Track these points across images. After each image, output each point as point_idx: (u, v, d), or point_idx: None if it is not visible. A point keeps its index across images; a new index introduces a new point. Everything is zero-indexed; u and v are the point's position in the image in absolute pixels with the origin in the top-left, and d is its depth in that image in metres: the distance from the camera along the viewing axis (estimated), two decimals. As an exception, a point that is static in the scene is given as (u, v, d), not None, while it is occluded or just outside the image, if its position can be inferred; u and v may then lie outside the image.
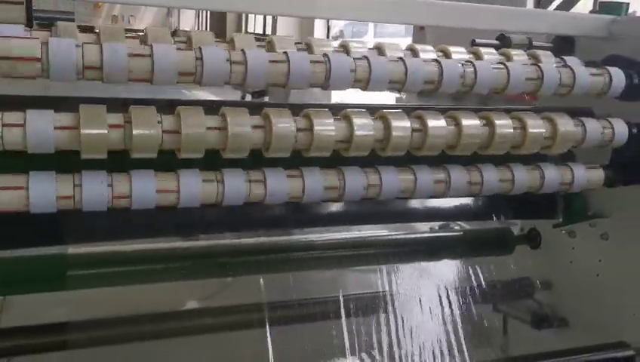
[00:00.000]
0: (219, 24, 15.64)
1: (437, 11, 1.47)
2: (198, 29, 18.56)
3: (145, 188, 1.11)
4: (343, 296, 1.59)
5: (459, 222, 1.93)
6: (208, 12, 14.92)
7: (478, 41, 1.65)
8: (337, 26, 13.50)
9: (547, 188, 1.43)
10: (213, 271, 1.64)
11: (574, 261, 1.82)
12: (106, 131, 1.04)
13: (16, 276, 1.44)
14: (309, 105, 1.25)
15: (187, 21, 19.76)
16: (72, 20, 1.46)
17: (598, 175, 1.49)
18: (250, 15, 12.15)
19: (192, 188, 1.14)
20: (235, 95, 4.38)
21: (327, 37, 12.00)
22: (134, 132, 1.05)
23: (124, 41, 1.11)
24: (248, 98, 4.60)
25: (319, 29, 11.76)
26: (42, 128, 1.01)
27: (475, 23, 1.52)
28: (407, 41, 9.18)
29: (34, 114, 1.01)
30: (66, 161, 1.08)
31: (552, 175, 1.42)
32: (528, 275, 1.90)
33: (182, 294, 2.13)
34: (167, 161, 1.15)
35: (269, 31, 12.65)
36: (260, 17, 13.20)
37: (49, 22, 1.31)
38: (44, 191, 1.05)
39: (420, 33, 6.22)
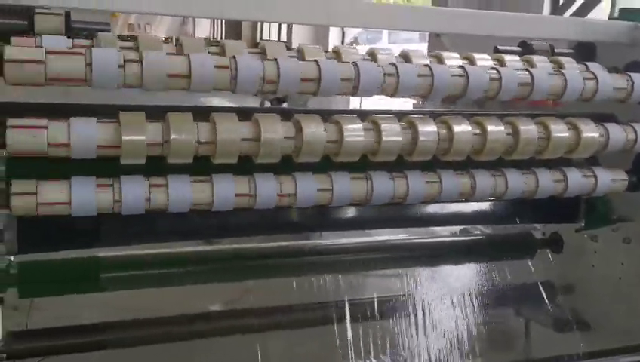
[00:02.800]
0: (234, 31, 15.75)
1: (463, 19, 1.50)
2: (214, 36, 18.69)
3: (182, 193, 1.14)
4: (376, 298, 1.62)
5: (478, 227, 1.96)
6: (223, 20, 14.99)
7: (500, 47, 1.68)
8: (352, 32, 13.54)
9: (571, 193, 1.45)
10: (242, 274, 1.68)
11: (597, 265, 1.83)
12: (144, 137, 1.08)
13: (51, 278, 1.48)
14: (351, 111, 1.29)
15: (202, 29, 19.94)
16: (109, 30, 1.49)
17: (621, 179, 1.51)
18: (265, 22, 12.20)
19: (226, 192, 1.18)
20: (254, 101, 4.42)
21: (342, 43, 12.04)
22: (172, 137, 1.09)
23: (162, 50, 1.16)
24: (267, 104, 4.64)
25: (334, 35, 11.80)
26: (86, 135, 1.05)
27: (498, 30, 1.55)
28: (421, 47, 9.19)
29: (78, 122, 1.05)
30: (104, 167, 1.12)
31: (576, 179, 1.44)
32: (550, 279, 1.91)
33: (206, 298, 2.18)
34: (199, 167, 1.19)
35: (284, 37, 12.72)
36: (275, 24, 13.24)
37: (88, 32, 1.36)
38: (85, 196, 1.09)
39: (437, 40, 6.23)
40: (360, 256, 1.78)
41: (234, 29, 16.06)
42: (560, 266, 1.90)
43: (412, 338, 1.62)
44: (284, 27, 12.92)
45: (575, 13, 5.20)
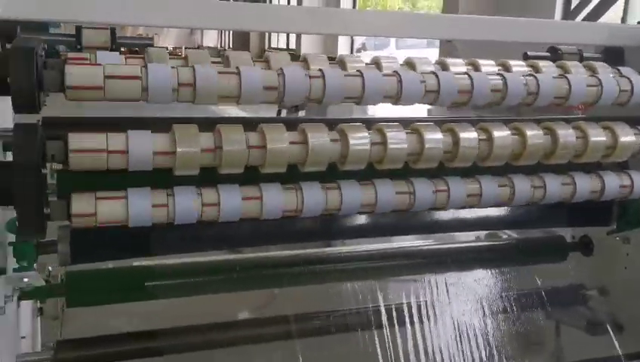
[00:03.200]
0: (241, 40, 15.86)
1: (489, 25, 1.53)
2: (221, 45, 18.84)
3: (232, 202, 1.17)
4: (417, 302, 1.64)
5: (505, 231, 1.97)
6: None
7: (530, 53, 1.71)
8: (359, 39, 13.59)
9: (607, 196, 1.47)
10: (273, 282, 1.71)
11: (629, 267, 1.84)
12: (198, 150, 1.11)
13: (98, 287, 1.51)
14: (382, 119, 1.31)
15: (210, 37, 20.10)
16: (152, 45, 1.54)
17: (655, 182, 1.53)
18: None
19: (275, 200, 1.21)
20: (269, 111, 4.45)
21: (351, 50, 12.10)
22: (226, 148, 1.12)
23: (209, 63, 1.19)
24: (283, 113, 4.67)
25: (343, 42, 11.87)
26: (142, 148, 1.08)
27: (527, 36, 1.57)
28: (429, 52, 9.21)
29: (135, 135, 1.08)
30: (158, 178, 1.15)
31: (612, 182, 1.46)
32: (581, 281, 1.92)
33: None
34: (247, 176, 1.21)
35: (292, 45, 12.80)
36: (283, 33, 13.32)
37: (132, 47, 1.40)
38: (141, 209, 1.11)
39: (448, 45, 6.26)
40: (395, 262, 1.80)
41: (241, 38, 16.18)
42: (591, 269, 1.92)
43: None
44: (292, 35, 13.00)
45: (588, 17, 5.23)
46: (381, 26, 1.45)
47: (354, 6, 12.75)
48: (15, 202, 1.03)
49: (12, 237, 1.27)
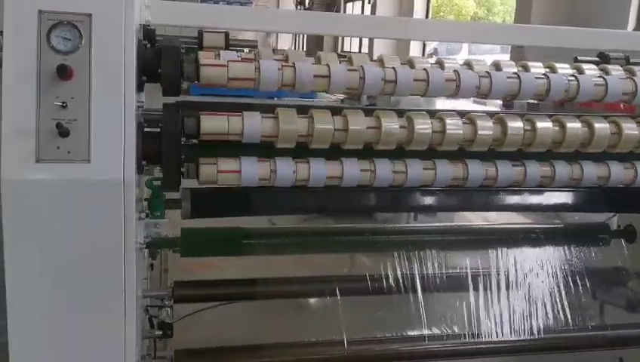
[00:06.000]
0: (315, 42, 16.28)
1: (556, 34, 1.79)
2: (295, 47, 19.41)
3: (319, 172, 1.49)
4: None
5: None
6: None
7: (580, 58, 1.93)
8: (432, 43, 13.74)
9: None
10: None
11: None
12: (296, 127, 1.43)
13: (203, 242, 1.87)
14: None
15: (284, 40, 20.69)
16: (256, 47, 1.87)
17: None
18: (347, 35, 12.62)
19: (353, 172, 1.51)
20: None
21: (423, 53, 12.29)
22: (316, 127, 1.43)
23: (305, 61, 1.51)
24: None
25: (415, 46, 12.07)
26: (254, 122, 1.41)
27: (578, 43, 1.82)
28: (503, 57, 9.31)
29: (248, 115, 1.42)
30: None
31: (643, 171, 1.68)
32: (625, 265, 2.12)
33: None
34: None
35: (365, 49, 13.09)
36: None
37: (241, 47, 1.74)
38: (250, 168, 1.44)
39: (519, 50, 6.39)
40: (447, 237, 2.07)
41: (314, 40, 16.62)
42: (633, 254, 2.11)
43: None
44: (364, 40, 13.30)
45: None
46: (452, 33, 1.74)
47: (427, 11, 12.93)
48: (162, 162, 1.38)
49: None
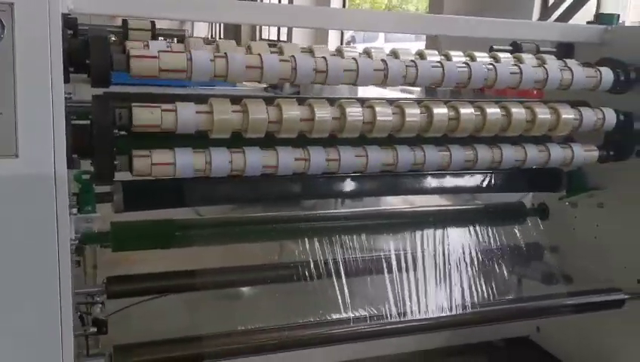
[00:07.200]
0: (232, 31, 16.07)
1: (461, 24, 1.87)
2: (212, 36, 19.05)
3: (255, 162, 1.50)
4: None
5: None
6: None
7: (495, 47, 2.04)
8: (349, 31, 13.90)
9: (552, 163, 1.81)
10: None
11: (576, 227, 2.20)
12: (230, 117, 1.44)
13: (134, 235, 1.83)
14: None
15: (200, 29, 20.26)
16: (184, 36, 1.84)
17: (593, 153, 1.88)
18: (265, 23, 12.53)
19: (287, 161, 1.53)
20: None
21: (341, 42, 12.42)
22: (250, 117, 1.44)
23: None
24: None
25: (333, 35, 12.18)
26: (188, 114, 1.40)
27: (493, 33, 1.91)
28: (417, 45, 9.60)
29: (182, 105, 1.41)
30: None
31: (557, 153, 1.81)
32: (538, 241, 2.27)
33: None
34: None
35: (283, 37, 13.08)
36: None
37: (168, 37, 1.71)
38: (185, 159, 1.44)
39: (433, 39, 6.61)
40: (372, 222, 2.13)
41: (232, 29, 16.40)
42: (546, 230, 2.27)
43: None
44: (283, 27, 13.27)
45: (561, 16, 5.58)
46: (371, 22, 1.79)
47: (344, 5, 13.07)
48: (94, 155, 1.34)
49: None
